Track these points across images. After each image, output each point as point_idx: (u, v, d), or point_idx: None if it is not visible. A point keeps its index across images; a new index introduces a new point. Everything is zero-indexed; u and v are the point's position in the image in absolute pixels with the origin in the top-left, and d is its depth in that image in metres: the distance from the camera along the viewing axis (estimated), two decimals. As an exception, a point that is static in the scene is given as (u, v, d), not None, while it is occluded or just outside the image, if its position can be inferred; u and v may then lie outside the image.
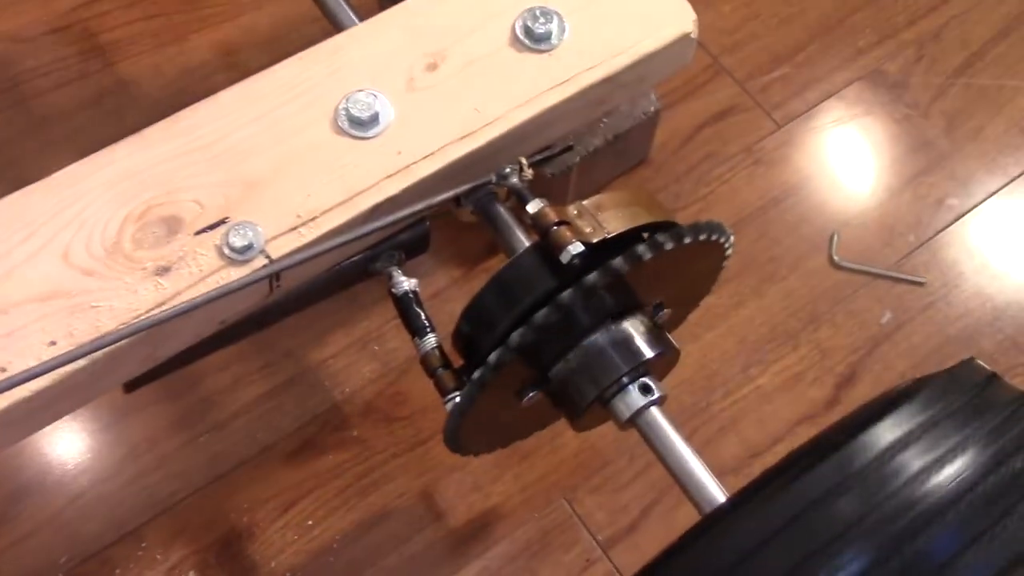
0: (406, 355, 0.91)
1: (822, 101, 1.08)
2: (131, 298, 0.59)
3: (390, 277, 0.70)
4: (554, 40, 0.70)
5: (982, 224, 1.02)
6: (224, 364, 0.91)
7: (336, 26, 0.82)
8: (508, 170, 0.64)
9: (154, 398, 0.88)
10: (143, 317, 0.59)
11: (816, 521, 0.51)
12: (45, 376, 0.56)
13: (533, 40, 0.70)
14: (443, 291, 0.94)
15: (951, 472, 0.52)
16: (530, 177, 0.65)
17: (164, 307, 0.59)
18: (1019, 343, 0.96)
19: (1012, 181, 1.04)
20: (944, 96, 1.09)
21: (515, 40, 0.70)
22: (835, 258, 0.99)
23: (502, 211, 0.72)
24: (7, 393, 0.55)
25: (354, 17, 0.82)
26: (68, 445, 0.88)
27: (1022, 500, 0.52)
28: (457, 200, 0.69)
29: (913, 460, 0.52)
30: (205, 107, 0.66)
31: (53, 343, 0.58)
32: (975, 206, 1.03)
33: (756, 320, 0.96)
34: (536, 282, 0.63)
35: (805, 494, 0.51)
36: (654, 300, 0.68)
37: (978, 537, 0.50)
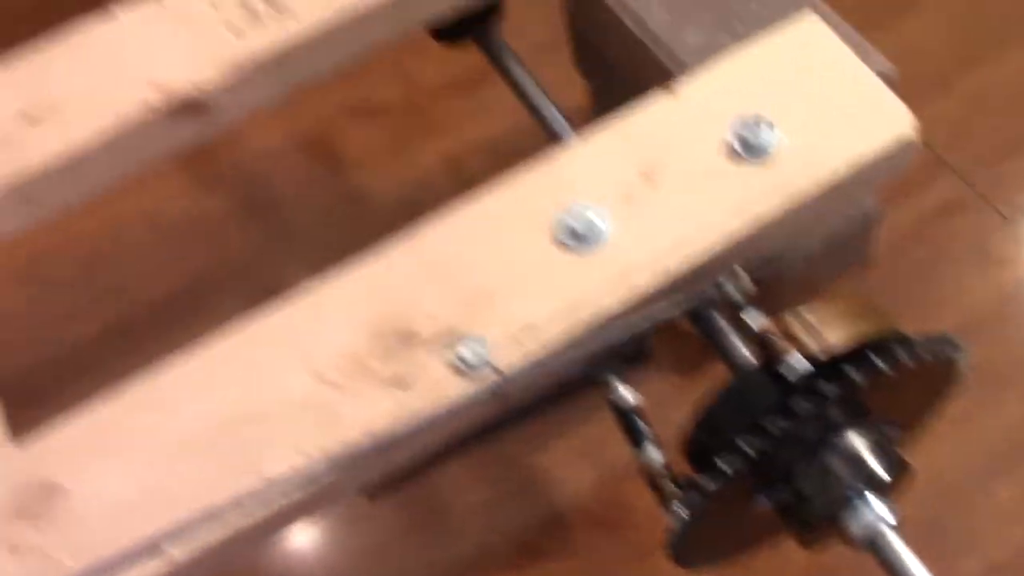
0: (626, 462, 0.92)
1: (1056, 194, 1.03)
2: (369, 408, 0.63)
3: (610, 386, 0.71)
4: (770, 150, 0.70)
5: None
6: (452, 468, 0.94)
7: (551, 136, 0.86)
8: (725, 281, 0.65)
9: (386, 505, 0.92)
10: (382, 428, 0.62)
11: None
12: (298, 484, 0.61)
13: (748, 151, 0.70)
14: (662, 398, 0.94)
15: None
16: (749, 289, 0.65)
17: (400, 418, 0.63)
18: None
19: None
20: None
21: (730, 151, 0.71)
22: (1078, 360, 0.93)
23: (717, 319, 0.73)
24: (267, 500, 0.60)
25: (568, 128, 0.86)
26: (302, 552, 0.93)
27: None
28: (691, 311, 0.70)
29: None
30: (435, 224, 0.71)
31: (302, 452, 0.62)
32: None
33: (995, 431, 0.91)
34: (767, 394, 0.63)
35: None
36: (885, 416, 0.67)
37: None
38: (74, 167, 0.77)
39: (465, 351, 0.64)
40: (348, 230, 1.09)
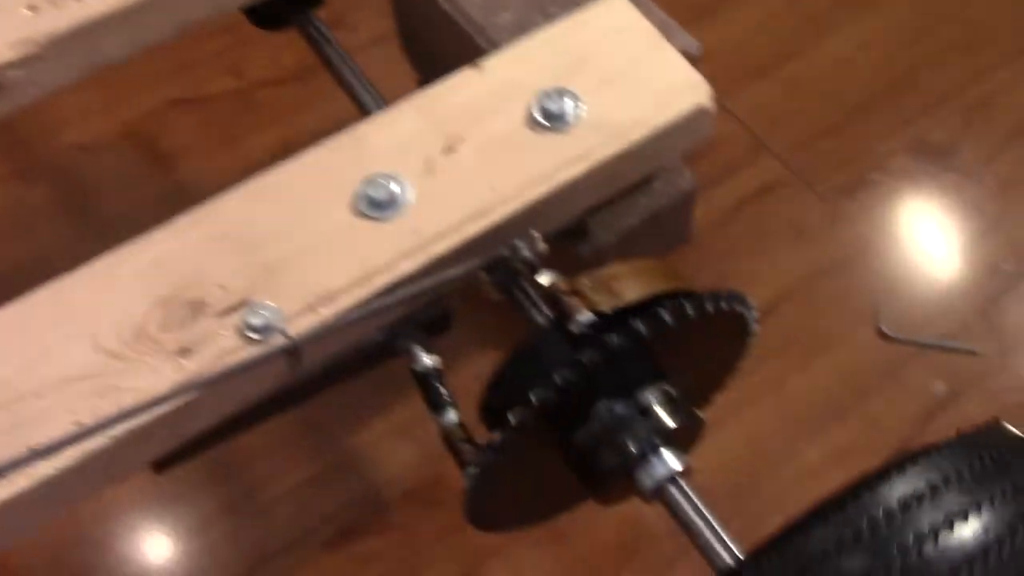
0: (446, 439, 0.91)
1: (867, 173, 1.07)
2: (154, 378, 0.61)
3: (411, 355, 0.70)
4: (569, 119, 0.71)
5: (1040, 290, 0.99)
6: (269, 450, 0.92)
7: (365, 113, 0.86)
8: (520, 244, 0.65)
9: (198, 484, 0.90)
10: (164, 397, 0.60)
11: (821, 577, 0.49)
12: (69, 454, 0.58)
13: (548, 119, 0.71)
14: (485, 373, 0.94)
15: (968, 532, 0.50)
16: (543, 250, 0.66)
17: (183, 386, 0.61)
18: (1086, 411, 0.92)
19: (1070, 246, 1.02)
20: (995, 162, 1.07)
21: (531, 120, 0.71)
22: (884, 329, 0.97)
23: (526, 288, 0.73)
24: (32, 471, 0.58)
25: (381, 103, 0.85)
26: (113, 535, 0.89)
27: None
28: (488, 275, 0.70)
29: (927, 517, 0.50)
30: (231, 195, 0.69)
31: (78, 422, 0.60)
32: (1031, 272, 1.00)
33: (803, 395, 0.94)
34: (554, 353, 0.63)
35: (811, 550, 0.50)
36: (676, 371, 0.68)
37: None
38: None
39: (254, 318, 0.63)
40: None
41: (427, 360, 0.70)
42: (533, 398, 0.60)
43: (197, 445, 0.67)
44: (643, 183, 0.97)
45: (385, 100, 0.87)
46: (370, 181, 0.68)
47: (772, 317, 0.98)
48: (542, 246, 0.66)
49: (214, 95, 1.17)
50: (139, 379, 0.61)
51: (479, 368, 0.95)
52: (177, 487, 0.90)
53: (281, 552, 0.87)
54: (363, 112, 0.87)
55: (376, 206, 0.68)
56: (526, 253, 0.65)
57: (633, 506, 0.77)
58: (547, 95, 0.72)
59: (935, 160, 1.08)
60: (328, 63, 0.89)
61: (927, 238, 1.03)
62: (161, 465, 0.67)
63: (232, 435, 0.69)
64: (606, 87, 0.73)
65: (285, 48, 1.20)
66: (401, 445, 0.92)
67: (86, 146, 1.13)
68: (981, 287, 0.99)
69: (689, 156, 1.09)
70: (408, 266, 0.66)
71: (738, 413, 0.92)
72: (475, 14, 0.87)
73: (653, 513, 0.84)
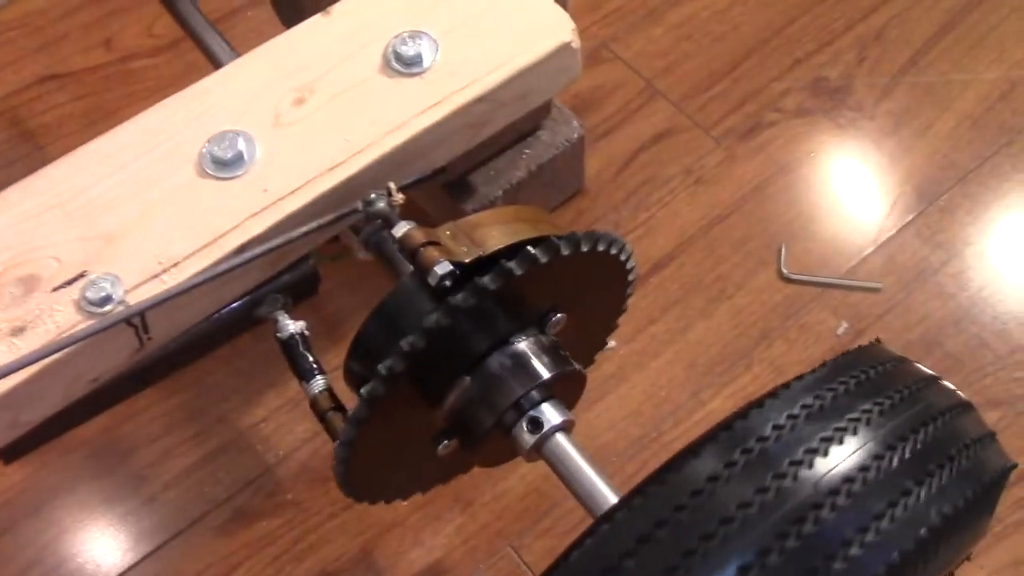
0: (340, 410, 0.88)
1: (762, 114, 1.05)
2: (-18, 359, 0.57)
3: (276, 322, 0.67)
4: (425, 63, 0.68)
5: (937, 223, 0.97)
6: (154, 436, 0.88)
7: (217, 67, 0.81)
8: (374, 196, 0.62)
9: (84, 476, 0.86)
10: (-6, 380, 0.56)
11: (698, 511, 0.47)
12: None
13: (403, 64, 0.68)
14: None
15: (845, 450, 0.47)
16: (399, 201, 0.62)
17: (14, 366, 0.56)
18: (986, 341, 0.91)
19: (967, 176, 1.00)
20: (889, 97, 1.05)
21: (385, 66, 0.68)
22: (784, 271, 0.95)
23: (390, 249, 0.70)
24: None
25: (232, 55, 0.81)
26: None
27: (921, 481, 0.48)
28: (355, 231, 0.67)
29: (803, 438, 0.48)
30: (64, 162, 0.65)
31: (-100, 414, 0.55)
32: (929, 205, 0.98)
33: (705, 343, 0.91)
34: (414, 309, 0.60)
35: (689, 483, 0.47)
36: (552, 321, 0.65)
37: (876, 518, 0.46)
38: None
39: (91, 291, 0.59)
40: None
41: (291, 326, 0.66)
42: (390, 361, 0.57)
43: (50, 430, 0.63)
44: (529, 134, 0.94)
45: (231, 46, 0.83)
46: (215, 139, 0.64)
47: (672, 266, 0.96)
48: (398, 197, 0.62)
49: (85, 69, 1.11)
50: (-33, 362, 0.57)
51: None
52: (58, 477, 0.85)
53: (170, 541, 0.83)
54: (207, 57, 0.82)
55: (222, 165, 0.64)
56: (381, 206, 0.62)
57: (538, 468, 0.74)
58: (401, 39, 0.68)
59: (831, 97, 1.05)
60: (192, 34, 0.84)
61: (825, 178, 1.01)
62: (9, 454, 0.62)
63: (86, 418, 0.65)
64: (464, 28, 0.69)
65: (158, 18, 1.15)
66: (295, 420, 0.88)
67: (-54, 129, 1.07)
68: (880, 224, 0.97)
69: (580, 105, 1.06)
70: (257, 226, 0.62)
71: (641, 366, 0.90)
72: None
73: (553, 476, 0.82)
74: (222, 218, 0.62)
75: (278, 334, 0.66)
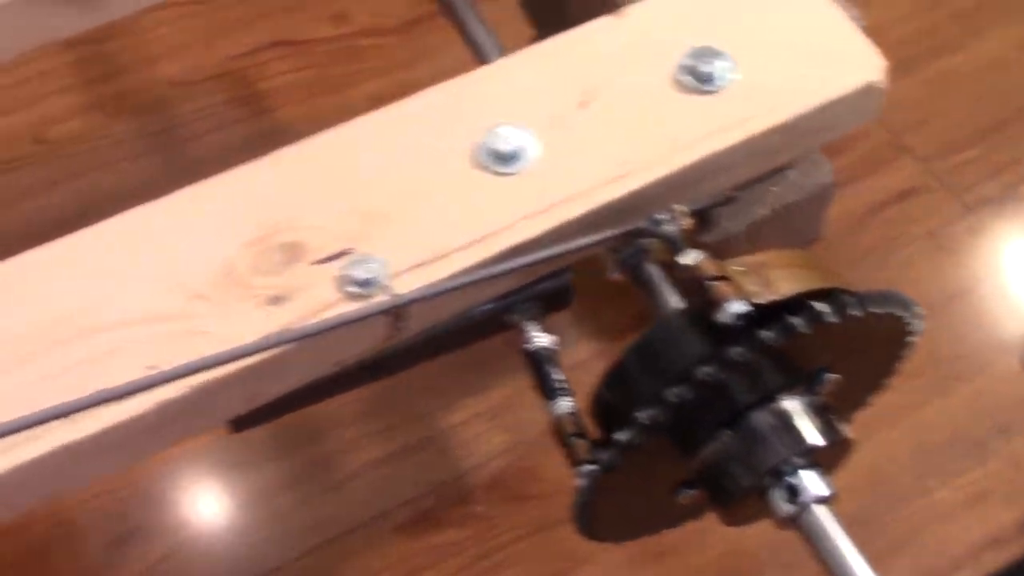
0: (540, 429, 0.83)
1: (1019, 185, 0.97)
2: (241, 326, 0.54)
3: (524, 331, 0.63)
4: (720, 82, 0.63)
5: None
6: (343, 422, 0.85)
7: (483, 61, 0.78)
8: (663, 217, 0.57)
9: (270, 453, 0.83)
10: (250, 348, 0.53)
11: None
12: (142, 401, 0.51)
13: (697, 80, 0.63)
14: (584, 363, 0.87)
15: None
16: (688, 227, 0.57)
17: (272, 339, 0.54)
18: None
19: None
20: None
21: (677, 80, 0.63)
22: (1030, 360, 0.87)
23: (653, 271, 0.65)
24: (101, 414, 0.51)
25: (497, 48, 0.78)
26: (175, 495, 0.83)
27: None
28: (611, 249, 0.63)
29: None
30: (335, 133, 0.62)
31: (153, 367, 0.53)
32: None
33: (937, 424, 0.84)
34: (691, 344, 0.55)
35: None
36: (824, 381, 0.59)
37: None
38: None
39: (357, 270, 0.56)
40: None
41: (542, 339, 0.62)
42: (669, 396, 0.52)
43: (278, 407, 0.60)
44: (778, 171, 0.88)
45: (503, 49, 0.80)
46: (494, 130, 0.61)
47: (903, 333, 0.89)
48: (687, 222, 0.58)
49: (316, 39, 1.10)
50: (224, 325, 0.54)
51: (574, 357, 0.87)
52: (244, 451, 0.83)
53: (350, 532, 0.80)
54: (473, 50, 0.79)
55: (499, 159, 0.60)
56: (669, 228, 0.57)
57: (735, 529, 0.68)
58: (696, 53, 0.63)
59: (1097, 178, 0.97)
60: (448, 6, 0.81)
61: (1083, 263, 0.93)
62: (238, 424, 0.60)
63: (315, 401, 0.62)
64: (764, 49, 0.64)
65: (394, -1, 1.13)
66: (490, 431, 0.84)
67: (178, 81, 1.07)
68: None
69: (825, 148, 1.00)
70: (532, 229, 0.58)
71: (869, 435, 0.83)
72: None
73: (756, 538, 0.76)
74: (495, 215, 0.58)
75: (525, 345, 0.62)
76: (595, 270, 0.67)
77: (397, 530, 0.80)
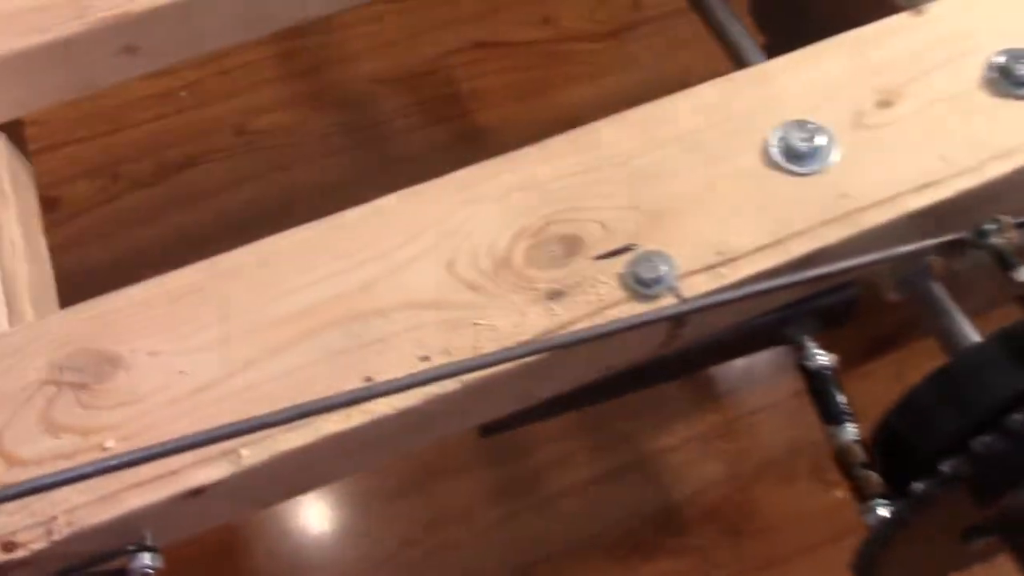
0: (760, 457, 0.78)
1: None
2: (518, 319, 0.50)
3: (802, 348, 0.57)
4: (1046, 85, 0.57)
5: None
6: (553, 436, 0.81)
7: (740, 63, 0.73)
8: (990, 227, 0.51)
9: (482, 460, 0.79)
10: (530, 343, 0.49)
11: None
12: (412, 394, 0.47)
13: (1013, 83, 0.57)
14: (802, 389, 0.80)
15: None
16: (1018, 241, 0.51)
17: (554, 335, 0.49)
18: None
19: None
20: None
21: (988, 82, 0.57)
22: None
23: (939, 291, 0.59)
24: (368, 407, 0.47)
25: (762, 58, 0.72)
26: (364, 501, 0.79)
27: None
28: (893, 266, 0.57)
29: None
30: (610, 123, 0.58)
31: (426, 358, 0.49)
32: None
33: None
34: (992, 388, 0.49)
35: None
36: None
37: None
38: (180, 15, 0.65)
39: (645, 268, 0.51)
40: (456, 166, 0.96)
41: (823, 357, 0.57)
42: (977, 445, 0.46)
43: (532, 412, 0.56)
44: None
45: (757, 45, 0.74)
46: (790, 127, 0.56)
47: None
48: (1016, 234, 0.52)
49: (522, 42, 1.07)
50: (500, 317, 0.50)
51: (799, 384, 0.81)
52: (458, 456, 0.79)
53: (562, 552, 0.75)
54: (738, 65, 0.74)
55: (796, 157, 0.55)
56: (995, 240, 0.51)
57: None
58: (1011, 54, 0.57)
59: None
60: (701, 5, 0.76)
61: None
62: (490, 428, 0.56)
63: (573, 407, 0.58)
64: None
65: (600, 3, 1.09)
66: (706, 458, 0.79)
67: (382, 78, 1.05)
68: None
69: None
70: (832, 234, 0.53)
71: None
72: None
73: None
74: (792, 217, 0.53)
75: (805, 362, 0.57)
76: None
77: (609, 554, 0.75)
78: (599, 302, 0.51)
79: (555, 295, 0.51)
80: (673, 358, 0.56)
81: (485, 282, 0.52)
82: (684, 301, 0.50)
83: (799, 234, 0.53)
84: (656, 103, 0.58)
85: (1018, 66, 0.57)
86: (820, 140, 0.55)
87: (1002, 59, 0.57)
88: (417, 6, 1.09)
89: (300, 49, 1.06)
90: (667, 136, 0.57)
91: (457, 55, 1.06)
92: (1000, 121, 0.56)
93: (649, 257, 0.52)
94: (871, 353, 0.79)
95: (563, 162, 0.56)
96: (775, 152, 0.55)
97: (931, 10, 0.61)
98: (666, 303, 0.50)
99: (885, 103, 0.57)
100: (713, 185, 0.54)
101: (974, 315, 0.79)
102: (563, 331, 0.50)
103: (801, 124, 0.55)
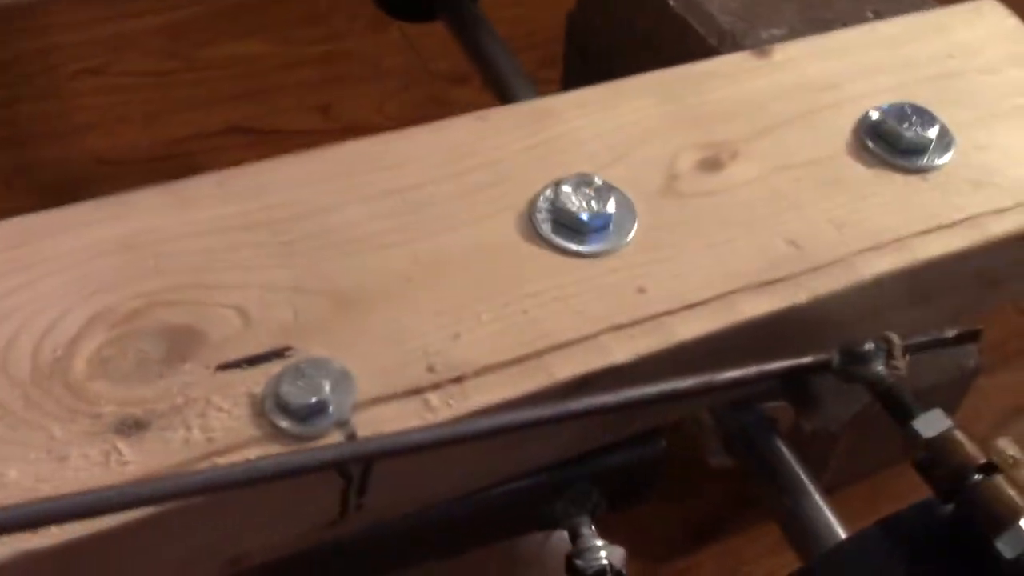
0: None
1: None
2: (51, 468, 0.28)
3: (576, 536, 0.36)
4: (937, 159, 0.39)
5: None
6: None
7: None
8: (869, 347, 0.31)
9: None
10: (63, 505, 0.26)
11: None
12: None
13: (892, 150, 0.39)
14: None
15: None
16: (903, 370, 0.32)
17: (106, 492, 0.26)
18: None
19: None
20: None
21: (860, 145, 0.39)
22: None
23: (785, 452, 0.40)
24: None
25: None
26: None
27: None
28: (714, 419, 0.38)
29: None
30: (294, 162, 0.37)
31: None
32: None
33: None
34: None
35: None
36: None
37: None
38: None
39: (294, 388, 0.29)
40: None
41: (603, 552, 0.35)
42: None
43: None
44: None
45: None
46: (567, 185, 0.36)
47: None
48: (903, 362, 0.32)
49: (296, 130, 0.88)
50: (21, 460, 0.28)
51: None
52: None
53: None
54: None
55: (571, 230, 0.35)
56: (879, 368, 0.31)
57: None
58: (895, 112, 0.40)
59: None
60: (481, 62, 0.58)
61: None
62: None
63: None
64: (989, 123, 0.41)
65: (391, 97, 0.91)
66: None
67: (105, 158, 0.83)
68: None
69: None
70: (620, 350, 0.32)
71: None
72: (728, 24, 0.57)
73: None
74: (557, 319, 0.33)
75: (577, 562, 0.35)
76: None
77: None
78: (206, 444, 0.29)
79: (130, 427, 0.29)
80: (371, 542, 0.34)
81: (14, 399, 0.29)
82: (359, 444, 0.29)
83: (565, 346, 0.32)
84: (372, 139, 0.38)
85: (900, 127, 0.39)
86: (610, 207, 0.35)
87: (877, 116, 0.40)
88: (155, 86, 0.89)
89: (12, 117, 0.84)
90: (379, 188, 0.36)
91: (202, 140, 0.85)
92: (881, 197, 0.38)
93: (312, 367, 0.30)
94: (694, 545, 0.59)
95: (204, 212, 0.34)
96: (541, 220, 0.35)
97: (776, 52, 0.43)
98: (329, 444, 0.29)
99: (712, 163, 0.38)
100: (437, 264, 0.34)
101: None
102: (129, 487, 0.27)
103: (584, 180, 0.36)
